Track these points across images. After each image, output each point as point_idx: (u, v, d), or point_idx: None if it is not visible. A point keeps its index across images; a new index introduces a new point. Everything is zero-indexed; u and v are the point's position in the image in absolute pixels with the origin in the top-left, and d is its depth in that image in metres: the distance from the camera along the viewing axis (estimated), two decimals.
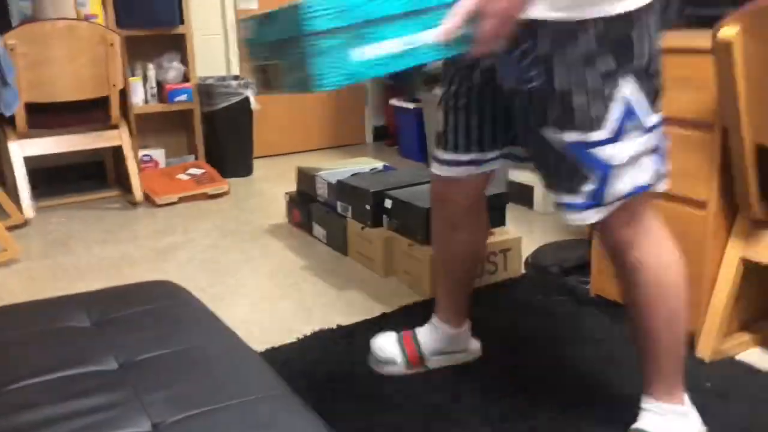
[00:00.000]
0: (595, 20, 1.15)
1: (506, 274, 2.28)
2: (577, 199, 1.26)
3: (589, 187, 1.24)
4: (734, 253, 1.69)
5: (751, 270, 1.74)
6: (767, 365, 1.72)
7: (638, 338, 1.38)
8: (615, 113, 1.20)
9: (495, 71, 1.32)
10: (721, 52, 1.44)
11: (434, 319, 1.72)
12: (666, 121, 1.77)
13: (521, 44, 1.19)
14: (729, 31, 1.41)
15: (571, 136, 1.22)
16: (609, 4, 1.15)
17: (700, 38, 1.67)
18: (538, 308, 2.02)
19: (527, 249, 2.51)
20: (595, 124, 1.20)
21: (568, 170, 1.25)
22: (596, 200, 1.25)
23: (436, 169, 1.51)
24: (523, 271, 2.36)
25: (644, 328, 1.35)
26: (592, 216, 1.26)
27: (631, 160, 1.22)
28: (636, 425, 1.40)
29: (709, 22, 1.92)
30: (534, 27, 1.16)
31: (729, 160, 1.63)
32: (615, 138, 1.21)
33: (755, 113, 1.48)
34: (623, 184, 1.23)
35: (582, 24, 1.15)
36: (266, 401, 0.90)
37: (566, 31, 1.16)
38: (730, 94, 1.48)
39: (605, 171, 1.22)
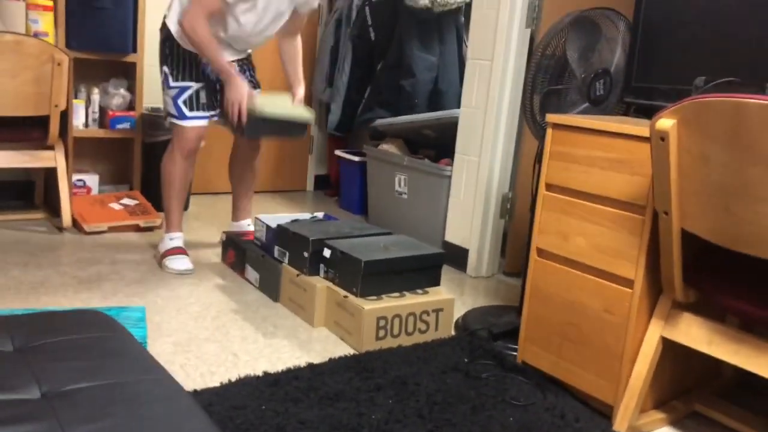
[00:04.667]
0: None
1: (437, 334, 2.30)
2: None
3: None
4: (655, 331, 1.77)
5: (669, 350, 1.82)
6: None
7: (251, 180, 3.11)
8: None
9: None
10: (658, 141, 1.54)
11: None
12: (601, 199, 1.87)
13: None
14: (666, 122, 1.51)
15: None
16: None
17: (638, 125, 1.78)
18: (465, 370, 2.05)
19: (458, 311, 2.55)
20: None
21: None
22: None
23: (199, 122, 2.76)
24: (453, 332, 2.38)
25: (255, 180, 3.14)
26: None
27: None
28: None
29: (646, 111, 2.06)
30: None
31: (657, 243, 1.72)
32: None
33: (685, 201, 1.58)
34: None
35: None
36: None
37: None
38: (664, 181, 1.58)
39: None
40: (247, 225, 3.14)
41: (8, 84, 2.89)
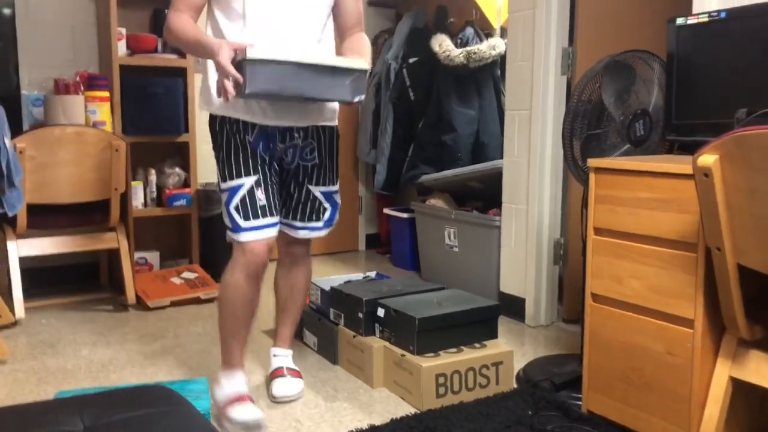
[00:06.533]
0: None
1: (498, 388, 2.27)
2: (320, 224, 2.28)
3: (326, 216, 2.29)
4: (723, 371, 1.71)
5: (740, 390, 1.75)
6: None
7: (292, 308, 2.37)
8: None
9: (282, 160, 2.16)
10: (702, 178, 1.53)
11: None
12: (651, 240, 1.84)
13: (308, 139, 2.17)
14: (708, 158, 1.50)
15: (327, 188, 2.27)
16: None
17: (680, 163, 1.77)
18: (529, 424, 2.01)
19: (519, 363, 2.51)
20: (336, 181, 2.29)
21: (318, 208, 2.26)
22: (329, 223, 2.31)
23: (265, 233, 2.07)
24: (514, 385, 2.35)
25: (301, 302, 2.39)
26: (326, 232, 2.31)
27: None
28: (280, 364, 2.33)
29: (690, 147, 2.04)
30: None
31: (714, 280, 1.68)
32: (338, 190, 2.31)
33: (738, 236, 1.55)
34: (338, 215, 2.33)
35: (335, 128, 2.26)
36: None
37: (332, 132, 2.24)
38: (712, 217, 1.55)
39: (336, 207, 2.31)
40: (275, 355, 2.38)
41: (72, 172, 3.06)
